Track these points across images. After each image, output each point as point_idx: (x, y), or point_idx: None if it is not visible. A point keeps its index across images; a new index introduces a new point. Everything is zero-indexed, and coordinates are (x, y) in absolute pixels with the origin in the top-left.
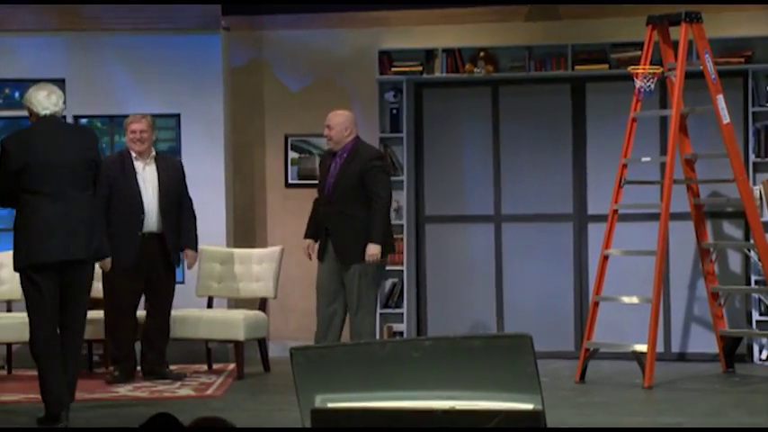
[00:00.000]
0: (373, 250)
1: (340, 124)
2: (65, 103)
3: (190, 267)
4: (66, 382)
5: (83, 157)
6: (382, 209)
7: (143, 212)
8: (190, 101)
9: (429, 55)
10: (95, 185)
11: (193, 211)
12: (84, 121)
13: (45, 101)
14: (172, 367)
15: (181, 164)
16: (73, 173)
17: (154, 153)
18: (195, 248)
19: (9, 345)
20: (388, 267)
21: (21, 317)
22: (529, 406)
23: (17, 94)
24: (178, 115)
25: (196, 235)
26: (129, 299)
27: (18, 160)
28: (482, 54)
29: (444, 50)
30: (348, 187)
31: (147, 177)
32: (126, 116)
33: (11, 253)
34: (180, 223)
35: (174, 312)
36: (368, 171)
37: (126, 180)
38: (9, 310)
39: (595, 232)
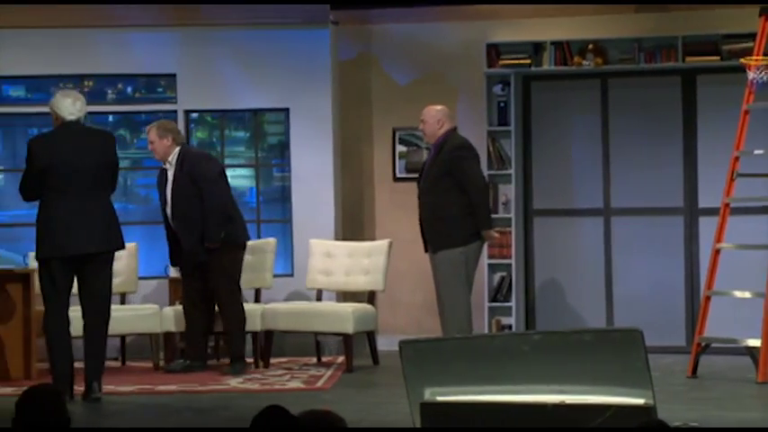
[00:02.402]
0: (489, 237)
1: (432, 117)
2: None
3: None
4: (92, 361)
5: (102, 159)
6: (480, 195)
7: (172, 219)
8: (299, 95)
9: (537, 48)
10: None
11: (210, 201)
12: (194, 115)
13: (71, 107)
14: (281, 359)
15: (195, 155)
16: (92, 173)
17: (175, 156)
18: (213, 239)
19: (123, 337)
20: (494, 261)
21: (134, 309)
22: (640, 401)
23: (130, 90)
24: (287, 110)
25: (212, 225)
26: (194, 296)
27: (42, 160)
28: (591, 46)
29: (553, 43)
30: (436, 178)
31: (170, 183)
32: (235, 111)
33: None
34: (201, 218)
35: (284, 305)
36: (453, 161)
37: (162, 188)
38: (123, 303)
39: (706, 226)
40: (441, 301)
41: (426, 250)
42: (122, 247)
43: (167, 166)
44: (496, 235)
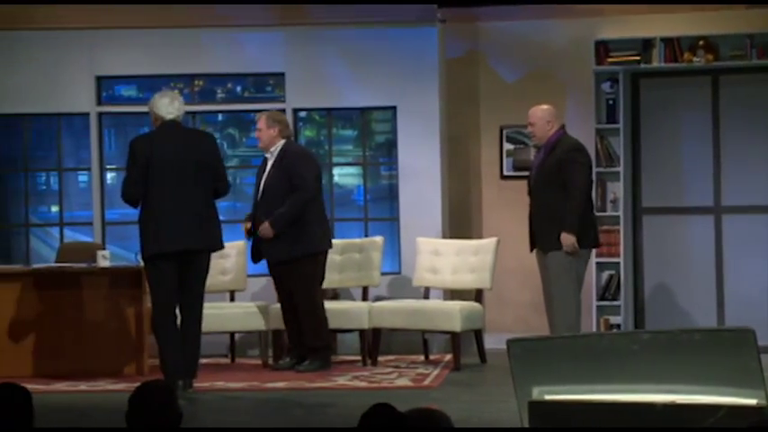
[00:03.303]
0: (565, 240)
1: (541, 119)
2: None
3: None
4: (186, 358)
5: (199, 157)
6: (577, 198)
7: (258, 208)
8: (406, 93)
9: (646, 44)
10: (217, 183)
11: (297, 198)
12: (302, 114)
13: (169, 106)
14: (389, 357)
15: (296, 153)
16: (191, 172)
17: (277, 148)
18: (273, 228)
19: (232, 334)
20: (602, 259)
21: (244, 306)
22: (752, 401)
23: (239, 89)
24: (395, 108)
25: (283, 218)
26: (283, 296)
27: (142, 158)
28: (701, 43)
29: (662, 39)
30: (547, 179)
31: (266, 173)
32: (343, 109)
33: (235, 244)
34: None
35: (391, 303)
36: (564, 162)
37: (259, 178)
38: (232, 300)
39: None
40: (550, 301)
41: (531, 250)
42: (220, 246)
43: (268, 155)
44: (573, 243)
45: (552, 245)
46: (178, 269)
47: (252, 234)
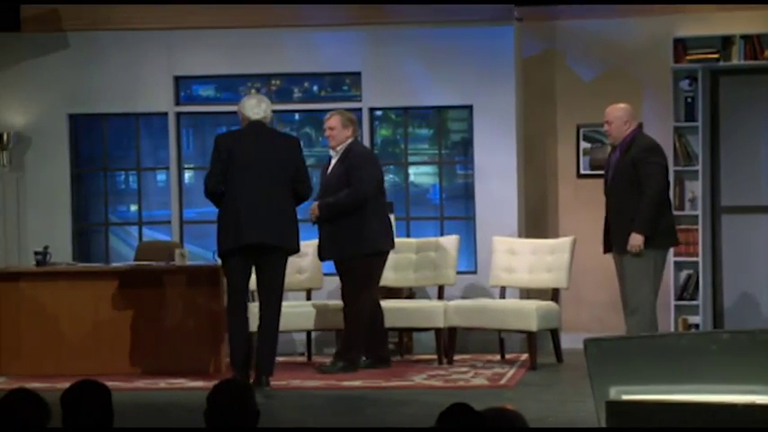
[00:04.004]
0: (634, 240)
1: (618, 118)
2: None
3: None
4: (263, 356)
5: (280, 158)
6: (650, 199)
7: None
8: (482, 92)
9: (726, 42)
10: (297, 185)
11: (350, 196)
12: (378, 113)
13: (255, 107)
14: (465, 356)
15: (360, 154)
16: (272, 171)
17: (343, 147)
18: (319, 217)
19: (309, 332)
20: (680, 259)
21: (319, 305)
22: None
23: (315, 88)
24: (471, 107)
25: (337, 205)
26: None
27: (224, 153)
28: None
29: (742, 37)
30: (622, 179)
31: (330, 170)
32: (419, 108)
33: (312, 242)
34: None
35: (467, 302)
36: (639, 162)
37: (323, 175)
38: (308, 299)
39: None
40: (626, 301)
41: (605, 251)
42: (296, 246)
43: (333, 153)
44: (639, 245)
45: (626, 247)
46: (254, 266)
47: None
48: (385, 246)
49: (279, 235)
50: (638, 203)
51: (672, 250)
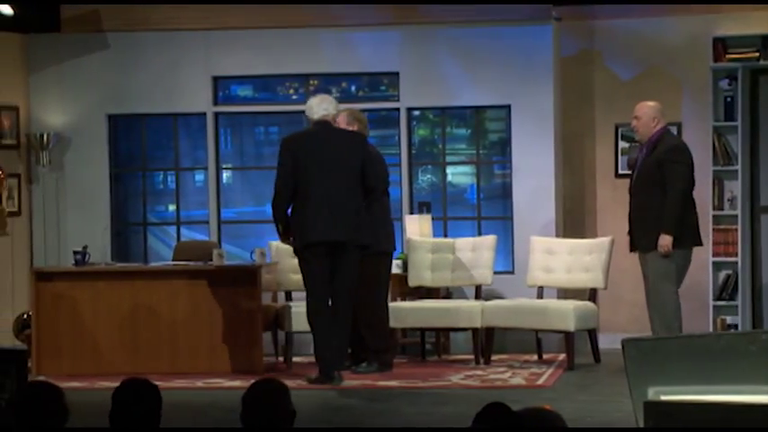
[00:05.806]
0: (663, 241)
1: (646, 115)
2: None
3: None
4: (337, 348)
5: (346, 156)
6: (675, 199)
7: None
8: (520, 92)
9: (766, 41)
10: (366, 181)
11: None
12: (416, 113)
13: (317, 107)
14: (502, 356)
15: (373, 155)
16: (338, 169)
17: None
18: None
19: None
20: (719, 259)
21: None
22: None
23: (353, 88)
24: (509, 106)
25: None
26: None
27: (290, 153)
28: None
29: None
30: (646, 178)
31: None
32: (456, 108)
33: None
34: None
35: (504, 302)
36: (664, 162)
37: None
38: None
39: None
40: (649, 299)
41: (631, 250)
42: (367, 242)
43: None
44: (668, 245)
45: (650, 245)
46: (330, 262)
47: None
48: (388, 247)
49: (347, 231)
50: (661, 203)
51: (710, 250)
